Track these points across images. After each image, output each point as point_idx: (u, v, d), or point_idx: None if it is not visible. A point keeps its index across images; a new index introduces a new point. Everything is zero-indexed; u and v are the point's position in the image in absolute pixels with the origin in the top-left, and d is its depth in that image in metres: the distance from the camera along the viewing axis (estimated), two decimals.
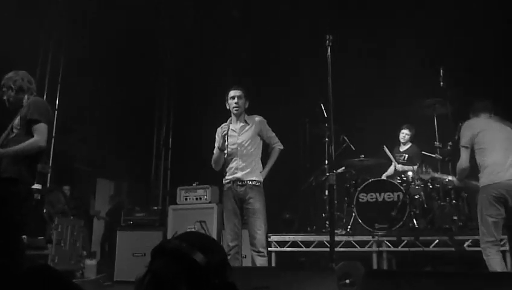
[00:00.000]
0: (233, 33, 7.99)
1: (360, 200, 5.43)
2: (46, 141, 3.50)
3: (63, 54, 7.71)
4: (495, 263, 3.64)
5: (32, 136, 3.40)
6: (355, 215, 5.37)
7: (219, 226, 5.99)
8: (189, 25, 8.36)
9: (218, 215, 6.04)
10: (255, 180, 4.09)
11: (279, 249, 5.40)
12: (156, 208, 7.33)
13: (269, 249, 5.17)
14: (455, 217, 5.07)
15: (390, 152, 6.25)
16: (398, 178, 5.64)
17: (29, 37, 6.84)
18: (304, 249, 5.31)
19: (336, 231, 4.95)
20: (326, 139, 5.78)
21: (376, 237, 5.01)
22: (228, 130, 4.13)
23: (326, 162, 5.78)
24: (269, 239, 5.31)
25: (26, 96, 3.64)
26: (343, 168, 5.95)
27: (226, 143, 4.11)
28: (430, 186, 5.43)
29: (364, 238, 5.07)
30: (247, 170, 4.10)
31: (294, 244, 5.37)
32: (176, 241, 1.43)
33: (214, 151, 4.22)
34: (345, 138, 6.05)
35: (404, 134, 6.26)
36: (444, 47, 6.58)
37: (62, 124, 6.98)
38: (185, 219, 6.22)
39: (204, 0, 8.07)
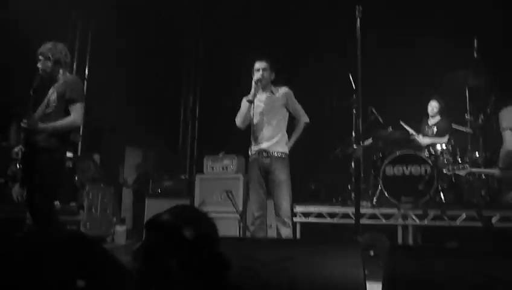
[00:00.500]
0: (260, 3, 7.86)
1: (386, 173, 5.39)
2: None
3: (91, 25, 7.76)
4: None
5: (68, 114, 3.59)
6: (381, 187, 5.35)
7: (245, 196, 6.06)
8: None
9: (244, 186, 6.11)
10: (280, 152, 4.10)
11: (304, 219, 5.44)
12: (183, 176, 7.46)
13: (294, 219, 5.22)
14: (483, 192, 4.99)
15: (419, 125, 6.14)
16: (426, 151, 5.56)
17: (57, 9, 6.89)
18: (329, 220, 5.34)
19: (361, 203, 4.94)
20: (354, 111, 5.71)
21: (402, 210, 4.98)
22: (260, 80, 4.10)
23: (354, 134, 5.72)
24: (294, 209, 5.35)
25: (61, 71, 3.74)
26: (371, 140, 5.89)
27: (255, 94, 4.10)
28: (459, 160, 5.34)
29: (390, 211, 5.06)
30: (273, 141, 4.11)
31: (319, 215, 5.40)
32: (166, 216, 1.45)
33: (241, 104, 4.22)
34: (373, 110, 5.96)
35: (433, 106, 6.12)
36: (478, 16, 6.34)
37: (91, 94, 7.10)
38: (211, 188, 6.31)
39: None
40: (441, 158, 5.37)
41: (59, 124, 3.56)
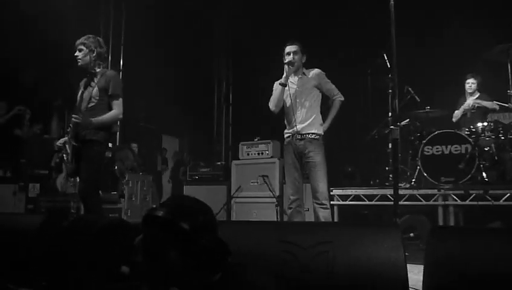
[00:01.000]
0: None
1: (425, 153, 5.26)
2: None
3: (124, 15, 7.86)
4: None
5: (110, 108, 3.75)
6: (420, 168, 5.24)
7: (281, 180, 6.08)
8: None
9: (280, 170, 6.12)
10: (314, 133, 4.07)
11: (341, 202, 5.40)
12: (219, 163, 7.55)
13: (331, 202, 5.19)
14: None
15: (458, 104, 5.97)
16: (467, 129, 5.39)
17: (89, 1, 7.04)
18: (367, 202, 5.28)
19: (399, 184, 4.86)
20: (390, 91, 5.59)
21: (442, 190, 4.87)
22: (292, 63, 4.08)
23: (390, 114, 5.61)
24: (331, 193, 5.32)
25: (101, 65, 3.87)
26: (408, 120, 5.77)
27: (287, 77, 4.09)
28: (502, 137, 5.15)
29: (430, 191, 4.94)
30: (306, 123, 4.09)
31: (356, 197, 5.35)
32: (161, 209, 1.45)
33: (273, 88, 4.21)
34: (409, 89, 5.83)
35: (470, 84, 5.93)
36: None
37: (126, 85, 7.23)
38: (247, 173, 6.36)
39: None
40: (482, 136, 5.20)
41: (104, 118, 3.70)
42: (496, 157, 5.14)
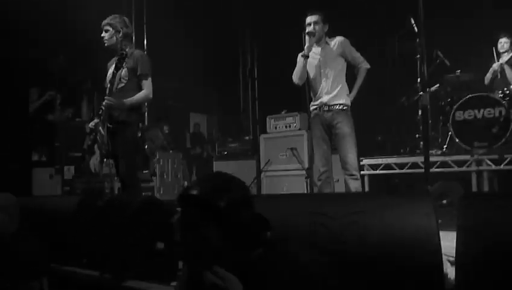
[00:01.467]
0: None
1: (456, 118, 5.14)
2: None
3: None
4: None
5: (140, 88, 3.75)
6: (451, 134, 5.13)
7: (310, 152, 6.06)
8: None
9: (308, 142, 6.10)
10: (341, 104, 4.02)
11: (372, 172, 5.37)
12: (247, 137, 7.58)
13: (362, 172, 5.16)
14: None
15: (490, 66, 5.78)
16: (500, 92, 5.22)
17: None
18: (398, 171, 5.23)
19: (431, 152, 4.78)
20: (418, 56, 5.44)
21: (475, 155, 4.77)
22: (313, 33, 4.02)
23: (419, 80, 5.48)
24: (361, 163, 5.29)
25: (128, 45, 3.83)
26: (437, 85, 5.63)
27: (310, 47, 4.03)
28: None
29: (462, 157, 4.85)
30: (333, 93, 4.03)
31: (387, 166, 5.30)
32: (195, 188, 1.43)
33: (297, 61, 4.16)
34: (439, 53, 5.66)
35: (503, 43, 5.71)
36: None
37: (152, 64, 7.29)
38: (276, 147, 6.37)
39: None
40: None
41: (135, 99, 3.72)
42: None
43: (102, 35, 3.81)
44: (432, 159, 4.69)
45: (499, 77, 5.73)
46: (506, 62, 5.70)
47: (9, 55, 6.18)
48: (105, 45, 3.82)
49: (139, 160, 5.05)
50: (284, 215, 1.92)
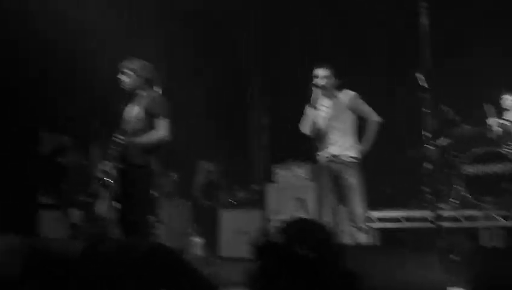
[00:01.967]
0: (319, 4, 7.83)
1: (464, 172, 5.14)
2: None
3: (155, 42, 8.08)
4: None
5: (156, 130, 3.68)
6: (460, 188, 5.10)
7: (317, 202, 6.02)
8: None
9: (316, 192, 6.07)
10: (349, 156, 4.04)
11: (380, 225, 5.31)
12: (255, 186, 7.56)
13: (370, 225, 5.11)
14: None
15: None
16: (505, 146, 5.23)
17: (127, 25, 7.29)
18: (407, 224, 5.17)
19: (439, 205, 4.74)
20: (424, 109, 5.49)
21: (484, 210, 4.72)
22: (318, 86, 4.07)
23: (425, 133, 5.51)
24: (368, 215, 5.24)
25: (146, 88, 3.80)
26: (445, 139, 5.66)
27: (318, 99, 4.06)
28: None
29: (471, 212, 4.81)
30: (341, 145, 4.07)
31: (395, 220, 5.26)
32: (279, 236, 1.29)
33: (306, 112, 4.20)
34: (445, 107, 5.72)
35: (510, 100, 5.77)
36: None
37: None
38: (284, 197, 6.35)
39: None
40: None
41: (149, 140, 3.66)
42: None
43: (120, 77, 3.78)
44: (440, 213, 4.64)
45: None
46: None
47: (22, 96, 6.33)
48: (123, 87, 3.79)
49: (149, 204, 5.00)
50: None
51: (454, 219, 4.87)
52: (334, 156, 4.06)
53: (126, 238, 3.80)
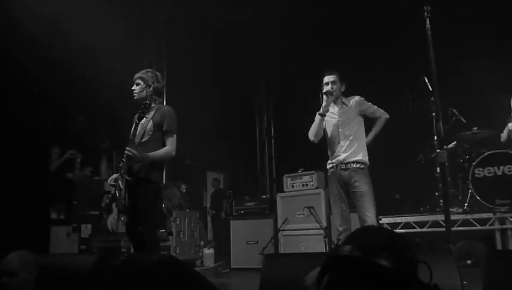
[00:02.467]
0: (326, 12, 7.85)
1: (476, 175, 5.08)
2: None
3: (166, 57, 8.15)
4: None
5: (164, 144, 3.71)
6: (472, 191, 5.04)
7: (328, 211, 6.00)
8: (283, 12, 8.38)
9: (326, 200, 6.05)
10: (359, 162, 4.00)
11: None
12: (264, 196, 7.55)
13: None
14: None
15: (505, 123, 5.76)
16: None
17: (135, 47, 7.36)
18: (418, 229, 5.12)
19: (451, 210, 4.69)
20: (433, 114, 5.47)
21: (498, 213, 4.66)
22: (330, 93, 4.06)
23: (435, 137, 5.48)
24: (380, 221, 5.20)
25: (158, 100, 3.85)
26: (455, 142, 5.61)
27: (327, 106, 4.06)
28: None
29: (485, 215, 4.74)
30: (350, 151, 4.03)
31: (407, 225, 5.20)
32: (351, 247, 1.16)
33: (315, 119, 4.17)
34: (454, 110, 5.68)
35: None
36: None
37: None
38: (293, 206, 6.33)
39: None
40: None
41: (158, 154, 3.65)
42: None
43: (132, 88, 3.80)
44: (453, 217, 4.60)
45: None
46: None
47: (32, 114, 6.39)
48: (135, 97, 3.80)
49: (157, 219, 4.98)
50: (302, 275, 1.88)
51: (468, 223, 4.80)
52: (343, 163, 4.03)
53: (136, 251, 3.80)
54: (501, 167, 4.98)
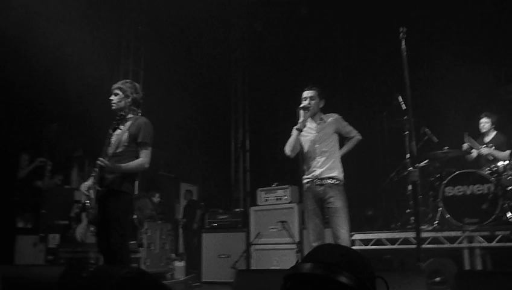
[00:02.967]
0: (303, 30, 7.96)
1: (446, 193, 5.18)
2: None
3: (142, 66, 8.09)
4: None
5: (138, 156, 3.67)
6: (442, 210, 5.14)
7: (300, 225, 6.01)
8: (261, 28, 8.46)
9: (299, 215, 6.06)
10: (334, 178, 4.01)
11: (363, 247, 5.30)
12: (238, 209, 7.51)
13: (353, 247, 5.09)
14: None
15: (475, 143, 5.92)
16: (488, 169, 5.31)
17: (109, 52, 7.28)
18: (389, 246, 5.17)
19: (422, 227, 4.75)
20: (406, 132, 5.57)
21: (466, 232, 4.75)
22: (307, 108, 4.05)
23: (408, 156, 5.57)
24: (352, 237, 5.23)
25: (136, 111, 3.82)
26: (426, 161, 5.71)
27: (304, 122, 4.06)
28: None
29: (454, 233, 4.83)
30: (326, 167, 4.03)
31: (378, 242, 5.25)
32: (310, 264, 1.20)
33: (292, 134, 4.15)
34: (426, 130, 5.80)
35: (483, 123, 5.88)
36: None
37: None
38: (266, 220, 6.31)
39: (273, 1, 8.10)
40: (505, 175, 5.11)
41: (130, 166, 3.61)
42: None
43: (111, 98, 3.76)
44: (423, 234, 4.65)
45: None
46: (490, 141, 5.83)
47: (2, 119, 6.24)
48: (113, 108, 3.76)
49: (129, 230, 4.90)
50: None
51: (437, 241, 4.88)
52: (319, 178, 4.03)
53: (106, 263, 3.72)
54: (470, 186, 5.09)
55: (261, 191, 6.62)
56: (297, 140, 4.11)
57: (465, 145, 5.77)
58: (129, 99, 3.75)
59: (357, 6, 7.20)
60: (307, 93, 4.15)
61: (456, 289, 1.58)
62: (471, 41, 6.41)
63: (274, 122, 7.89)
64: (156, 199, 7.68)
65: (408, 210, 5.70)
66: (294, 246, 5.84)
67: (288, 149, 4.15)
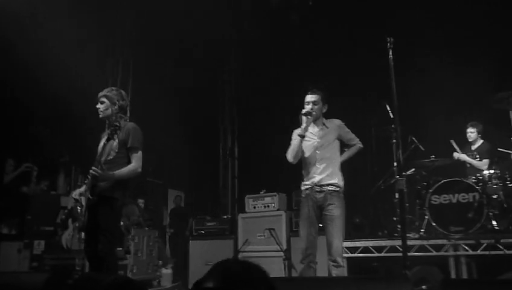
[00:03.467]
0: (291, 39, 8.00)
1: (432, 202, 5.22)
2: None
3: (131, 73, 8.07)
4: None
5: (129, 162, 3.68)
6: (428, 218, 5.17)
7: (288, 233, 6.01)
8: (251, 34, 8.48)
9: (287, 222, 6.07)
10: (334, 185, 3.95)
11: (350, 255, 5.31)
12: (225, 216, 7.50)
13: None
14: None
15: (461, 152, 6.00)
16: (473, 177, 5.37)
17: (98, 61, 7.25)
18: (376, 254, 5.19)
19: (408, 235, 4.78)
20: (394, 141, 5.62)
21: (452, 240, 4.79)
22: (309, 113, 3.98)
23: (395, 164, 5.62)
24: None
25: (123, 118, 3.81)
26: (413, 169, 5.76)
27: (306, 126, 3.99)
28: (510, 185, 5.13)
29: (439, 241, 4.87)
30: (326, 174, 3.98)
31: (365, 249, 5.27)
32: (212, 281, 1.22)
33: (292, 138, 4.10)
34: (413, 138, 5.86)
35: (469, 133, 5.99)
36: None
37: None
38: (254, 227, 6.30)
39: (264, 8, 8.13)
40: (490, 183, 5.17)
41: (123, 172, 3.62)
42: (505, 205, 5.10)
43: (97, 106, 3.76)
44: (409, 242, 4.67)
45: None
46: (476, 150, 5.93)
47: None
48: (100, 116, 3.77)
49: (117, 237, 4.87)
50: None
51: (424, 249, 4.91)
52: (318, 185, 3.96)
53: (93, 270, 3.69)
54: (456, 195, 5.14)
55: (249, 198, 6.61)
56: (300, 146, 4.02)
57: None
58: (116, 107, 3.75)
59: (344, 15, 7.28)
60: (310, 98, 4.06)
61: None
62: (460, 51, 6.49)
63: (262, 129, 7.90)
64: (140, 204, 7.64)
65: (395, 218, 5.73)
66: (281, 253, 5.84)
67: (290, 156, 4.06)
